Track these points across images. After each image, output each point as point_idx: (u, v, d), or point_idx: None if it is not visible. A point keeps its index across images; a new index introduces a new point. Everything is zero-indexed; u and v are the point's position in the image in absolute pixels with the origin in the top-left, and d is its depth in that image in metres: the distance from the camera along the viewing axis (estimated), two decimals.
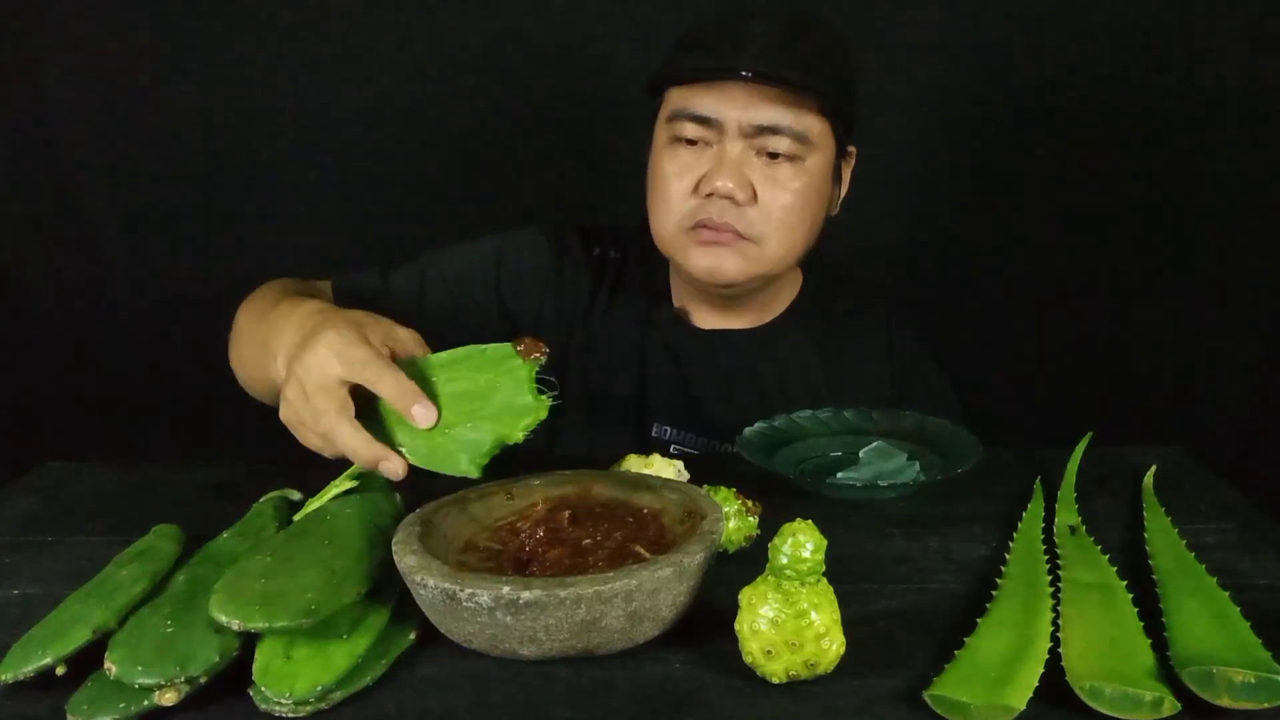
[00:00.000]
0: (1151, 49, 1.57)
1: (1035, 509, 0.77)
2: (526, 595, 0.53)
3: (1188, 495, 0.82)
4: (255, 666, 0.53)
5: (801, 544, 0.54)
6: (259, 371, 0.85)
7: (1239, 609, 0.58)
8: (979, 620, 0.59)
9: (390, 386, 0.68)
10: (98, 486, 0.89)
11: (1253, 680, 0.51)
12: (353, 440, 0.67)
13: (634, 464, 0.76)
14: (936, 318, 1.40)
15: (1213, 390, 1.69)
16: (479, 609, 0.54)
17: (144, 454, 1.67)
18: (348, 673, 0.53)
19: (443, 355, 0.71)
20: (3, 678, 0.54)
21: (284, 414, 0.72)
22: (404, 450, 0.69)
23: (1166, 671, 0.53)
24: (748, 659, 0.54)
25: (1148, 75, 1.58)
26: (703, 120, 0.95)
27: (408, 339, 0.73)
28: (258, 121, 1.60)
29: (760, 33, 0.92)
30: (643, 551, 0.61)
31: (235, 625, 0.52)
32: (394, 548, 0.59)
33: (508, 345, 0.69)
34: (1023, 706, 0.50)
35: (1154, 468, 0.86)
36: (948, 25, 1.57)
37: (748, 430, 0.92)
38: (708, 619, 0.59)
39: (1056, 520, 0.75)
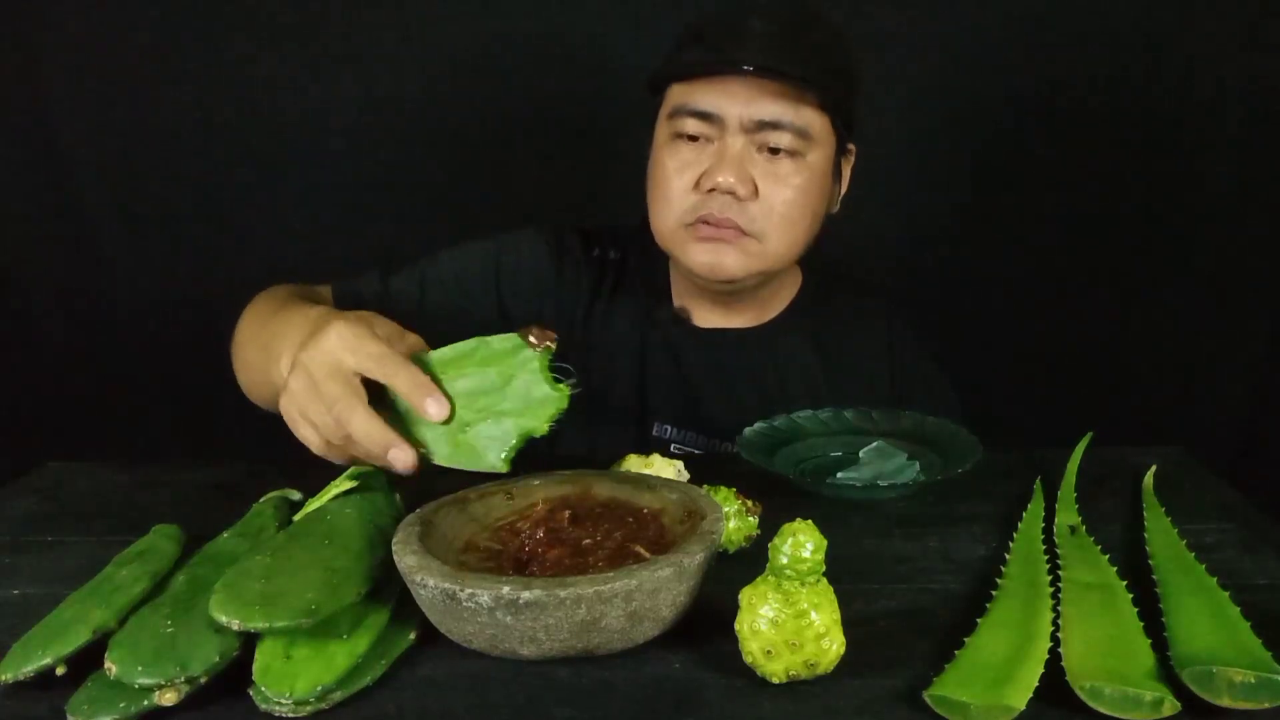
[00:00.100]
0: (1151, 49, 1.57)
1: (1035, 509, 0.77)
2: (526, 595, 0.53)
3: (1188, 495, 0.82)
4: (255, 666, 0.53)
5: (801, 544, 0.53)
6: (262, 376, 0.85)
7: (1239, 609, 0.57)
8: (979, 620, 0.59)
9: (406, 380, 0.67)
10: (98, 486, 0.89)
11: (1253, 680, 0.51)
12: (367, 425, 0.66)
13: (634, 464, 0.76)
14: (936, 318, 1.40)
15: (1213, 390, 1.69)
16: (479, 609, 0.54)
17: (144, 454, 1.67)
18: (348, 673, 0.53)
19: (446, 351, 0.70)
20: (3, 678, 0.54)
21: (284, 405, 0.71)
22: (425, 450, 0.68)
23: (1166, 671, 0.53)
24: (748, 659, 0.54)
25: (1147, 75, 1.58)
26: (704, 115, 0.95)
27: (413, 340, 0.73)
28: (257, 121, 1.60)
29: (761, 28, 0.93)
30: (643, 551, 0.61)
31: (235, 625, 0.52)
32: (394, 548, 0.59)
33: (514, 335, 0.69)
34: (1023, 706, 0.50)
35: (1154, 468, 0.86)
36: (948, 25, 1.57)
37: (748, 430, 0.92)
38: (708, 619, 0.58)
39: (1056, 520, 0.75)
